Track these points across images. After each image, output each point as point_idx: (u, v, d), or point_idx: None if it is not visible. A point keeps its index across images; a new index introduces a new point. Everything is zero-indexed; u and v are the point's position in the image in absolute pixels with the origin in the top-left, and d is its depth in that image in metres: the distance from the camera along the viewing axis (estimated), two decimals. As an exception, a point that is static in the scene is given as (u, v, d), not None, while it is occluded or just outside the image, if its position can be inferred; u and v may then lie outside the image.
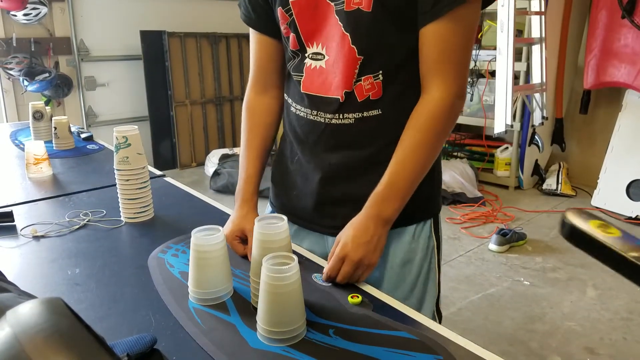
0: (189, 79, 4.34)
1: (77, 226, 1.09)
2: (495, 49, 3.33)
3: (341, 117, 0.89)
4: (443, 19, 0.79)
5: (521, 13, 3.26)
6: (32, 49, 3.54)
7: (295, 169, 1.00)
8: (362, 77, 0.86)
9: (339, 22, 0.84)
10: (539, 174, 3.91)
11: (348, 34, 0.84)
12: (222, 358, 0.65)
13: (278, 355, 0.65)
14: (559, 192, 3.72)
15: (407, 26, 0.83)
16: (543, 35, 3.33)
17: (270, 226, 0.75)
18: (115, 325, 0.73)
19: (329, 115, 0.90)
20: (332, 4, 0.84)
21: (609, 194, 3.44)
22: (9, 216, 1.10)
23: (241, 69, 4.69)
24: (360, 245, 0.82)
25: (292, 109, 0.98)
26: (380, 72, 0.86)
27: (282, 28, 0.92)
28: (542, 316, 2.19)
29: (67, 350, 0.34)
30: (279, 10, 0.89)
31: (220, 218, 1.16)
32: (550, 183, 3.78)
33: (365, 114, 0.88)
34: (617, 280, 2.50)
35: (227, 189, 3.73)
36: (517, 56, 3.31)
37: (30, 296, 0.57)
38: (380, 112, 0.88)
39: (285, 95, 1.01)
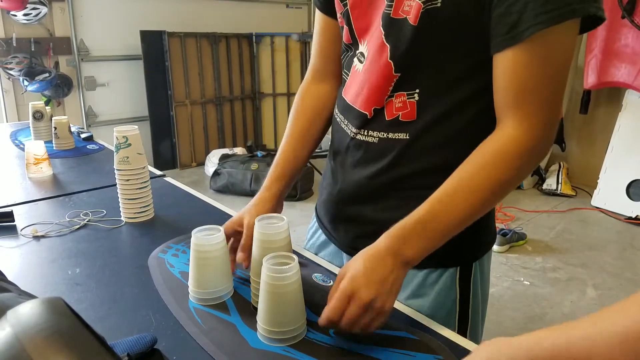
0: (189, 79, 4.34)
1: (77, 226, 1.09)
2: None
3: (365, 133, 0.80)
4: (526, 42, 0.63)
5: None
6: (32, 49, 3.54)
7: (329, 174, 0.92)
8: (395, 94, 0.75)
9: (381, 28, 0.73)
10: (539, 174, 3.91)
11: (388, 46, 0.73)
12: (222, 358, 0.65)
13: (278, 355, 0.65)
14: (559, 192, 3.72)
15: (458, 46, 0.70)
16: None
17: (270, 226, 0.75)
18: (116, 325, 0.73)
19: (354, 130, 0.81)
20: (385, 3, 0.72)
21: (609, 194, 3.44)
22: (9, 216, 1.10)
23: (241, 69, 4.69)
24: (373, 283, 0.65)
25: (335, 109, 0.90)
26: (417, 91, 0.74)
27: (338, 17, 0.83)
28: (542, 316, 2.19)
29: (68, 350, 0.34)
30: None
31: (220, 218, 1.16)
32: (550, 183, 3.78)
33: (390, 135, 0.77)
34: (617, 280, 2.50)
35: (227, 189, 3.73)
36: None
37: (30, 296, 0.57)
38: (407, 137, 0.76)
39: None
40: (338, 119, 0.87)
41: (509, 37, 0.64)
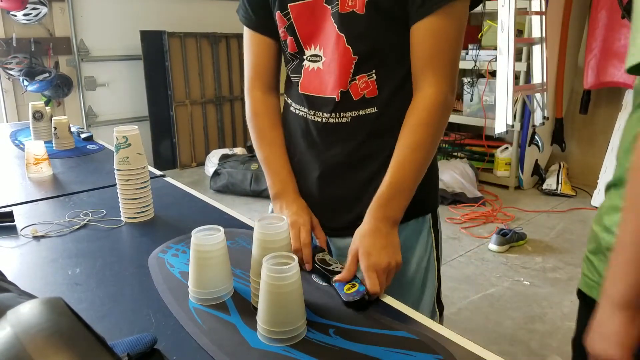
0: (189, 79, 4.33)
1: (77, 226, 1.09)
2: (495, 49, 3.33)
3: (338, 116, 0.92)
4: (433, 15, 0.81)
5: (521, 13, 3.26)
6: (32, 49, 3.54)
7: (295, 169, 1.01)
8: (357, 77, 0.89)
9: (334, 24, 0.87)
10: (539, 174, 3.91)
11: (343, 35, 0.86)
12: (222, 358, 0.65)
13: (278, 355, 0.65)
14: (559, 192, 3.72)
15: (399, 26, 0.85)
16: (544, 35, 3.33)
17: (271, 226, 0.75)
18: (116, 325, 0.73)
19: (326, 115, 0.92)
20: (329, 7, 0.86)
21: (609, 194, 3.43)
22: (9, 216, 1.11)
23: (241, 69, 4.69)
24: (382, 250, 0.82)
25: (292, 108, 1.00)
26: (374, 71, 0.88)
27: (280, 32, 0.94)
28: (542, 316, 2.19)
29: (68, 349, 0.34)
30: (277, 14, 0.92)
31: (220, 218, 1.16)
32: (550, 183, 3.78)
33: (361, 112, 0.91)
34: (617, 280, 2.50)
35: (227, 189, 3.73)
36: (518, 56, 3.31)
37: (30, 296, 0.57)
38: (376, 109, 0.90)
39: (285, 95, 1.04)
40: (301, 114, 0.97)
41: (422, 10, 0.81)
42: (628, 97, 3.40)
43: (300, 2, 0.88)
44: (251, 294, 0.78)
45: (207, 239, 0.76)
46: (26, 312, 0.36)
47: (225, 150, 4.25)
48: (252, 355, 0.65)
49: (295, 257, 0.68)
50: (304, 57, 0.93)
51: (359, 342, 0.68)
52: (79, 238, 1.04)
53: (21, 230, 1.08)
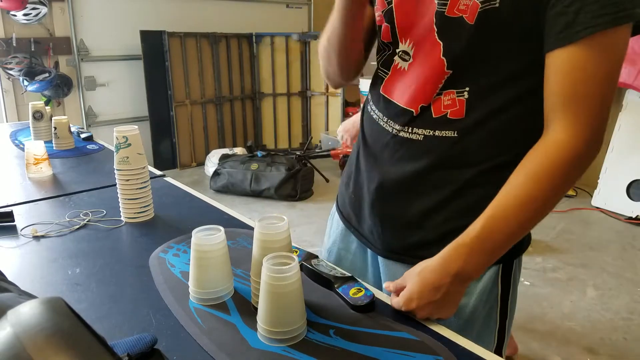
0: (189, 79, 4.34)
1: (77, 226, 1.09)
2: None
3: (410, 131, 0.79)
4: (580, 44, 0.63)
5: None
6: (32, 49, 3.54)
7: (358, 170, 0.91)
8: (444, 92, 0.75)
9: (434, 26, 0.73)
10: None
11: (441, 43, 0.73)
12: (222, 358, 0.65)
13: (278, 355, 0.65)
14: (559, 192, 3.72)
15: (514, 46, 0.70)
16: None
17: (271, 226, 0.74)
18: (116, 325, 0.73)
19: (397, 127, 0.80)
20: (436, 2, 0.72)
21: (609, 194, 3.44)
22: (9, 216, 1.10)
23: (241, 69, 4.69)
24: (427, 305, 0.71)
25: (369, 107, 0.89)
26: (467, 89, 0.73)
27: (376, 15, 0.82)
28: (542, 316, 2.19)
29: (68, 349, 0.34)
30: None
31: (220, 218, 1.16)
32: (550, 183, 3.78)
33: (437, 132, 0.76)
34: (618, 280, 2.50)
35: (227, 189, 3.73)
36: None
37: (30, 296, 0.57)
38: (456, 134, 0.75)
39: (368, 91, 0.91)
40: (375, 117, 0.86)
41: (563, 36, 0.63)
42: (628, 97, 3.40)
43: None
44: (251, 294, 0.77)
45: (208, 239, 0.76)
46: (26, 312, 0.36)
47: (225, 150, 4.26)
48: (252, 355, 0.65)
49: (296, 258, 0.67)
50: (397, 50, 0.79)
51: (359, 342, 0.68)
52: (79, 238, 1.04)
53: (21, 230, 1.08)
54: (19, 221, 1.12)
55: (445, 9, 0.71)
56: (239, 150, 4.30)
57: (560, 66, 0.65)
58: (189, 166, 4.48)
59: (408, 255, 0.82)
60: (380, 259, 0.90)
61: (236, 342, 0.68)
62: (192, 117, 4.42)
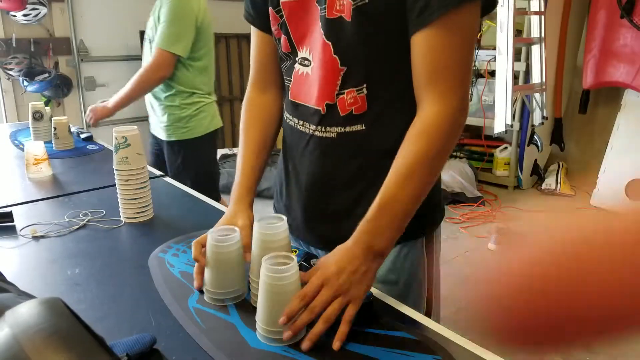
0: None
1: (77, 226, 1.09)
2: (494, 48, 3.33)
3: (324, 130, 0.85)
4: (434, 25, 0.70)
5: (520, 13, 3.26)
6: (32, 49, 3.54)
7: (289, 174, 0.97)
8: (345, 90, 0.81)
9: (321, 29, 0.79)
10: (538, 173, 3.91)
11: (330, 43, 0.79)
12: (221, 358, 0.65)
13: (278, 355, 0.65)
14: (558, 191, 3.72)
15: (392, 36, 0.76)
16: (543, 35, 3.33)
17: (270, 226, 0.75)
18: (115, 325, 0.73)
19: (312, 127, 0.86)
20: (319, 7, 0.79)
21: (607, 193, 3.44)
22: (9, 216, 1.10)
23: (241, 70, 4.69)
24: (343, 271, 0.70)
25: (285, 117, 0.95)
26: (365, 85, 0.80)
27: (273, 29, 0.88)
28: (541, 316, 2.19)
29: (66, 350, 0.34)
30: (270, 11, 0.86)
31: (219, 218, 1.15)
32: (549, 183, 3.78)
33: (347, 128, 0.83)
34: (617, 279, 2.50)
35: (227, 189, 3.71)
36: (516, 56, 3.31)
37: (29, 296, 0.57)
38: (363, 127, 0.82)
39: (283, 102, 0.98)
40: (291, 122, 0.92)
41: (419, 20, 0.71)
42: (627, 97, 3.40)
43: None
44: (250, 294, 0.78)
45: (225, 239, 0.75)
46: (24, 312, 0.36)
47: (225, 150, 4.25)
48: (252, 355, 0.65)
49: (294, 257, 0.68)
50: (297, 58, 0.86)
51: (358, 342, 0.68)
52: (78, 238, 1.04)
53: (20, 230, 1.08)
54: (19, 221, 1.12)
55: (325, 12, 0.78)
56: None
57: (421, 48, 0.73)
58: (189, 166, 4.48)
59: (338, 243, 0.80)
60: (321, 253, 0.95)
61: (236, 342, 0.68)
62: (191, 117, 4.42)
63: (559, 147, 3.93)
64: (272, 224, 0.75)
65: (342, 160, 0.86)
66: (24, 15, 3.39)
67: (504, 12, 3.07)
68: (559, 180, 3.76)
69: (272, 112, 0.98)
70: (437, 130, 0.74)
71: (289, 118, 0.92)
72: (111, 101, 1.97)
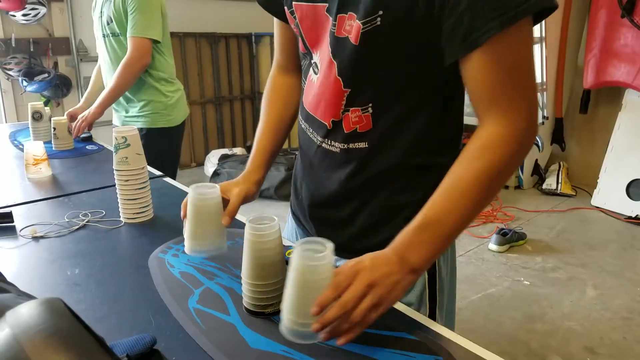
0: (188, 79, 4.33)
1: (77, 227, 1.09)
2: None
3: (329, 143, 0.85)
4: (483, 48, 0.65)
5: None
6: (31, 49, 3.54)
7: (300, 177, 0.99)
8: (350, 109, 0.79)
9: (329, 46, 0.77)
10: (539, 173, 3.91)
11: (335, 63, 0.77)
12: (221, 358, 0.65)
13: (278, 356, 0.65)
14: (559, 191, 3.72)
15: (401, 60, 0.73)
16: (543, 34, 3.33)
17: (261, 226, 0.73)
18: (115, 326, 0.72)
19: (319, 138, 0.86)
20: (330, 18, 0.76)
21: (609, 193, 3.44)
22: (9, 217, 1.10)
23: (240, 69, 4.69)
24: (378, 269, 0.65)
25: (299, 117, 0.94)
26: (370, 105, 0.78)
27: (292, 27, 0.86)
28: (542, 316, 2.19)
29: (66, 350, 0.34)
30: (286, 11, 0.85)
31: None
32: (550, 183, 3.78)
33: (351, 145, 0.82)
34: (618, 280, 2.50)
35: (227, 189, 3.73)
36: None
37: (29, 297, 0.57)
38: (366, 145, 0.81)
39: None
40: (303, 126, 0.91)
41: (466, 45, 0.66)
42: (628, 97, 3.40)
43: (304, 2, 0.79)
44: (243, 295, 0.76)
45: (205, 193, 0.82)
46: (25, 312, 0.36)
47: (225, 150, 4.25)
48: (252, 356, 0.65)
49: (330, 244, 0.61)
50: (312, 60, 0.84)
51: (358, 342, 0.68)
52: (78, 238, 1.04)
53: (20, 230, 1.07)
54: (18, 222, 1.12)
55: (335, 29, 0.75)
56: (239, 150, 4.29)
57: (473, 72, 0.68)
58: (189, 166, 4.48)
59: (342, 250, 0.79)
60: None
61: (235, 342, 0.68)
62: (191, 117, 4.42)
63: (560, 147, 3.93)
64: (263, 224, 0.74)
65: (345, 176, 0.85)
66: (24, 15, 3.39)
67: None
68: (559, 180, 3.76)
69: (292, 93, 0.98)
70: (501, 147, 0.68)
71: (301, 121, 0.92)
72: (97, 102, 1.96)
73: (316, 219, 0.93)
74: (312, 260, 0.62)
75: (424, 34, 0.69)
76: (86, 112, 1.99)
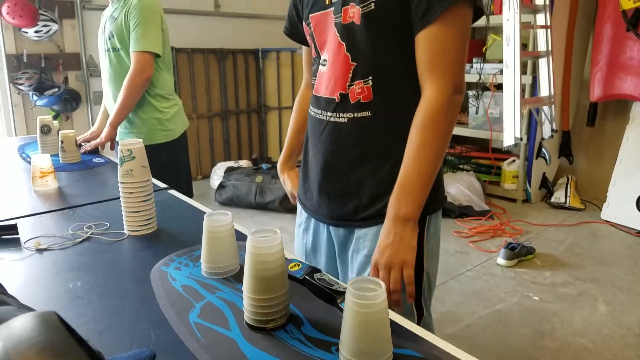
0: (196, 93, 4.37)
1: (80, 239, 1.09)
2: (499, 62, 3.32)
3: (338, 116, 1.01)
4: (433, 24, 0.88)
5: (526, 27, 3.27)
6: (43, 65, 3.59)
7: (308, 162, 1.13)
8: (355, 82, 0.97)
9: (336, 33, 0.98)
10: (547, 187, 3.87)
11: (344, 43, 0.97)
12: (222, 374, 0.63)
13: (279, 372, 0.64)
14: (567, 205, 3.68)
15: (396, 36, 0.93)
16: (549, 48, 3.32)
17: (263, 239, 0.72)
18: (116, 339, 0.72)
19: (329, 114, 1.03)
20: (334, 17, 0.98)
21: (618, 207, 3.39)
22: (13, 229, 1.10)
23: (247, 83, 4.73)
24: (384, 249, 0.90)
25: (309, 110, 1.12)
26: (370, 77, 0.96)
27: (308, 40, 1.09)
28: (552, 332, 2.14)
29: (58, 365, 0.33)
30: (304, 25, 1.08)
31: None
32: (558, 196, 3.74)
33: (357, 114, 0.99)
34: (629, 295, 2.45)
35: (232, 202, 3.73)
36: (523, 69, 3.31)
37: (29, 309, 0.56)
38: (370, 114, 0.98)
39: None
40: (312, 113, 1.09)
41: (424, 20, 0.89)
42: (636, 110, 3.37)
43: (318, 12, 1.01)
44: (244, 309, 0.75)
45: (218, 220, 0.87)
46: (18, 326, 0.36)
47: (231, 163, 4.26)
48: (253, 372, 0.64)
49: (382, 284, 0.63)
50: (320, 61, 1.05)
51: None
52: (81, 251, 1.04)
53: (25, 242, 1.07)
54: (23, 234, 1.12)
55: (340, 19, 0.97)
56: (245, 163, 4.30)
57: (424, 42, 0.90)
58: (195, 179, 4.49)
59: (349, 220, 1.04)
60: (331, 228, 1.10)
61: (236, 358, 0.67)
62: (198, 130, 4.44)
63: (568, 160, 3.90)
64: (266, 237, 0.73)
65: (352, 144, 1.01)
66: (36, 31, 3.45)
67: (510, 26, 3.08)
68: (568, 194, 3.72)
69: (307, 101, 1.18)
70: (437, 112, 0.90)
71: (312, 110, 1.10)
72: (109, 122, 1.98)
73: (327, 193, 1.07)
74: (366, 300, 0.60)
75: (405, 13, 0.90)
76: (94, 132, 2.04)
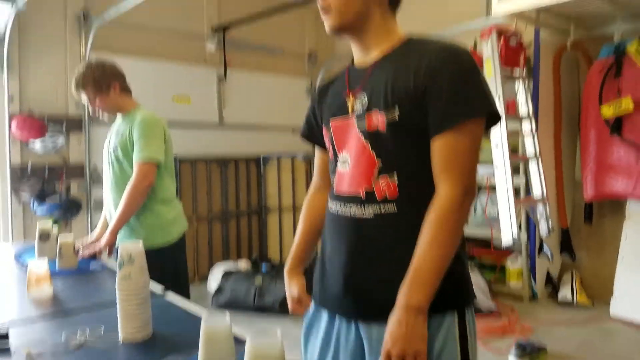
0: (197, 198, 4.43)
1: (73, 347, 1.04)
2: (491, 163, 3.43)
3: (363, 212, 1.03)
4: (448, 132, 0.95)
5: (513, 134, 3.41)
6: (46, 176, 3.67)
7: (327, 259, 1.12)
8: (380, 177, 1.01)
9: (360, 135, 1.03)
10: (552, 283, 3.79)
11: (368, 143, 1.02)
12: None
13: None
14: (575, 303, 3.57)
15: (420, 139, 0.99)
16: (537, 151, 3.45)
17: (262, 343, 0.70)
18: None
19: (353, 210, 1.04)
20: (356, 123, 1.04)
21: (627, 303, 3.29)
22: (5, 337, 1.06)
23: (248, 188, 4.83)
24: (397, 339, 0.90)
25: (328, 205, 1.13)
26: (396, 173, 1.00)
27: (326, 142, 1.14)
28: None
29: None
30: (323, 128, 1.14)
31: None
32: (565, 293, 3.65)
33: (382, 211, 1.01)
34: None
35: (230, 305, 3.60)
36: (515, 170, 3.40)
37: None
38: (395, 210, 1.00)
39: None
40: (334, 211, 1.10)
41: (440, 127, 0.96)
42: (631, 207, 3.41)
43: (338, 117, 1.08)
44: None
45: (215, 322, 0.86)
46: None
47: (229, 264, 4.19)
48: None
49: None
50: (338, 161, 1.09)
51: None
52: (75, 359, 0.99)
53: (14, 350, 1.02)
54: (15, 339, 1.07)
55: (365, 127, 1.03)
56: (243, 263, 4.22)
57: (440, 146, 0.97)
58: (192, 282, 4.37)
59: (381, 314, 0.96)
60: (360, 325, 1.05)
61: None
62: (197, 233, 4.44)
63: (570, 257, 3.85)
64: (264, 340, 0.71)
65: (378, 240, 1.02)
66: (42, 144, 3.58)
67: (497, 134, 3.22)
68: (574, 291, 3.62)
69: (317, 206, 1.23)
70: (448, 210, 0.95)
71: (332, 208, 1.11)
72: (109, 229, 2.00)
73: (354, 290, 1.05)
74: None
75: (424, 119, 0.97)
76: (93, 238, 2.07)
